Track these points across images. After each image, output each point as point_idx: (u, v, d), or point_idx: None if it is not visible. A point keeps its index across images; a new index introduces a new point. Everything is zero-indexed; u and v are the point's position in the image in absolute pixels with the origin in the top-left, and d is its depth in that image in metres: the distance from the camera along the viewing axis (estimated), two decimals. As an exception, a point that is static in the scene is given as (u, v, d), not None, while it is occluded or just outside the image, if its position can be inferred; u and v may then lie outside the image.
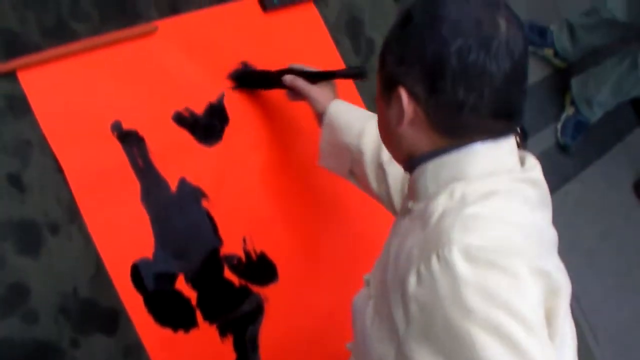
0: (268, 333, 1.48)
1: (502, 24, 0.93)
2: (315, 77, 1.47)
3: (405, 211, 1.08)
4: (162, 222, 1.40)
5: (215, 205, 1.48)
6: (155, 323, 1.34)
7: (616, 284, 2.79)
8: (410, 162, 1.05)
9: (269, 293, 1.50)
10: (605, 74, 2.76)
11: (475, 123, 0.96)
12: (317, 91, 1.47)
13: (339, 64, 1.81)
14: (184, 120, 1.49)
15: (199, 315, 1.40)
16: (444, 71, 0.94)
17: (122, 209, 1.36)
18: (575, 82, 2.87)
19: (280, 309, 1.51)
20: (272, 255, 1.53)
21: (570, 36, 2.84)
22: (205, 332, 1.40)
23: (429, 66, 0.95)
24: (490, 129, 0.98)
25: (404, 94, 0.98)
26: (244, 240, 1.50)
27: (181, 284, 1.39)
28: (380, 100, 1.06)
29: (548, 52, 2.92)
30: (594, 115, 2.84)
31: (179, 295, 1.39)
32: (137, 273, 1.34)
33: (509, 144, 1.01)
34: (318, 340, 1.54)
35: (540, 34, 2.89)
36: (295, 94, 1.50)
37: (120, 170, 1.38)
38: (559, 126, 2.87)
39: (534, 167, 1.03)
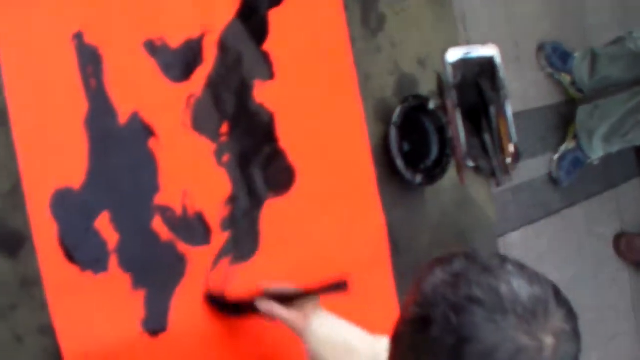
0: (183, 298, 1.36)
1: (549, 342, 0.72)
2: (293, 298, 1.32)
3: None
4: (100, 153, 1.28)
5: (163, 149, 1.35)
6: (64, 258, 1.23)
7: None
8: None
9: (194, 256, 1.38)
10: (613, 108, 2.61)
11: None
12: (294, 315, 1.29)
13: (341, 33, 1.67)
14: (155, 50, 1.36)
15: (113, 260, 1.29)
16: None
17: (61, 127, 1.24)
18: (581, 110, 2.73)
19: (202, 276, 1.39)
20: (210, 219, 1.41)
21: (591, 66, 2.69)
22: (116, 279, 1.29)
23: None
24: None
25: None
26: (184, 194, 1.38)
27: (102, 224, 1.28)
28: None
29: (565, 77, 2.77)
30: (593, 152, 2.71)
31: (96, 233, 1.27)
32: (58, 201, 1.23)
33: None
34: (231, 322, 1.43)
35: (562, 58, 2.74)
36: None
37: (69, 85, 1.25)
38: (556, 157, 2.74)
39: None
